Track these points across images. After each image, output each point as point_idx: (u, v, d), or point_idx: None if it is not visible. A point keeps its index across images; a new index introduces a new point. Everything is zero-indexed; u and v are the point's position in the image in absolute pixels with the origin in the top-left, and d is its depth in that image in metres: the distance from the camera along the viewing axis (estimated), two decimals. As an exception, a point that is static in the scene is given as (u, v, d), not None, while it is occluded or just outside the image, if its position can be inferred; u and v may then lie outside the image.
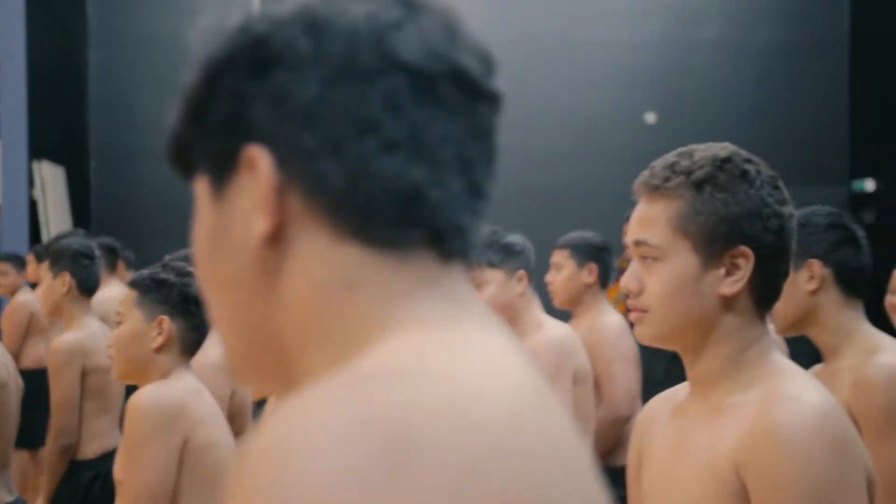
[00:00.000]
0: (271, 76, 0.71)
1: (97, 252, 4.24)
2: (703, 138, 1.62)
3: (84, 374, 3.97)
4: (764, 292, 1.55)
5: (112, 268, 6.19)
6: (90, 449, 3.97)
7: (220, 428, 2.54)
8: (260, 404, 3.48)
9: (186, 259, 2.99)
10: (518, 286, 3.37)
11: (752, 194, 1.52)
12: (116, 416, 4.01)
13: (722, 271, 1.53)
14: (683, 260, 1.54)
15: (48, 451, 3.98)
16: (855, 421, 2.19)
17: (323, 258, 0.71)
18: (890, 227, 8.59)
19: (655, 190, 1.56)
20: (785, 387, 1.48)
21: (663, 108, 9.10)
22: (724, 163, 1.54)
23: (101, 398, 4.01)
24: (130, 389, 2.68)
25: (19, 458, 5.65)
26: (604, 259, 3.96)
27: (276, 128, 0.70)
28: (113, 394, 4.03)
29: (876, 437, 2.19)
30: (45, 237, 7.72)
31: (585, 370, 3.37)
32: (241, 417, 3.47)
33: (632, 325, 1.62)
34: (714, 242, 1.52)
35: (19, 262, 6.21)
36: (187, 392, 2.53)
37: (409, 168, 0.70)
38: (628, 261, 1.65)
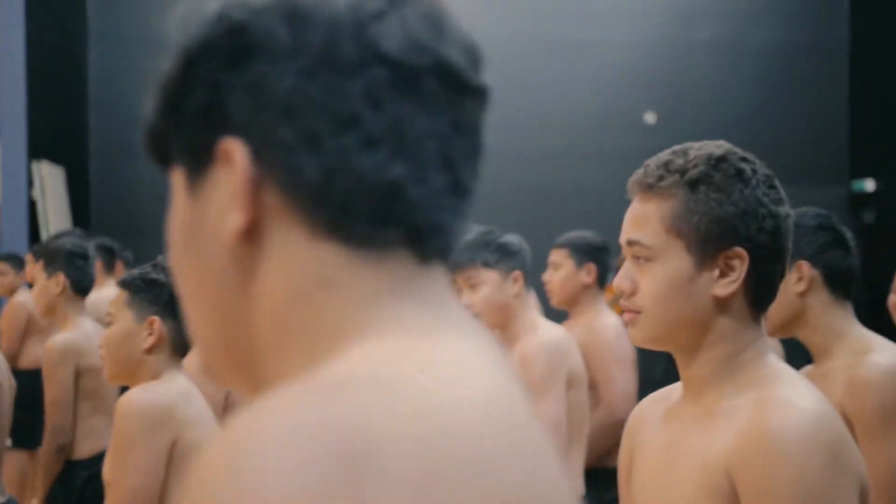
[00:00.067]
0: (249, 66, 0.68)
1: (91, 252, 4.24)
2: (702, 138, 1.59)
3: (78, 375, 3.97)
4: (759, 294, 1.53)
5: (110, 268, 6.19)
6: (85, 449, 3.97)
7: (210, 430, 2.53)
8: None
9: None
10: (513, 287, 3.34)
11: (748, 194, 1.50)
12: (111, 416, 4.02)
13: (716, 272, 1.51)
14: (677, 261, 1.52)
15: (43, 451, 3.98)
16: (848, 421, 2.20)
17: (298, 256, 0.69)
18: (890, 227, 8.59)
19: (649, 189, 1.54)
20: (779, 391, 1.46)
21: (663, 108, 9.10)
22: (719, 162, 1.51)
23: (96, 398, 4.01)
24: (125, 390, 2.67)
25: (19, 459, 5.65)
26: (602, 259, 3.96)
27: (252, 120, 0.68)
28: (107, 394, 4.03)
29: (869, 436, 2.20)
30: (45, 237, 7.71)
31: (580, 373, 3.34)
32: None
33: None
34: (708, 243, 1.50)
35: (18, 262, 6.20)
36: (177, 394, 2.51)
37: (388, 164, 0.68)
38: (623, 260, 1.64)
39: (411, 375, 0.63)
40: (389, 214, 0.69)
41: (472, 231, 3.47)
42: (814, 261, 2.31)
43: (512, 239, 3.41)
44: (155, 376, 2.58)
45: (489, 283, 3.32)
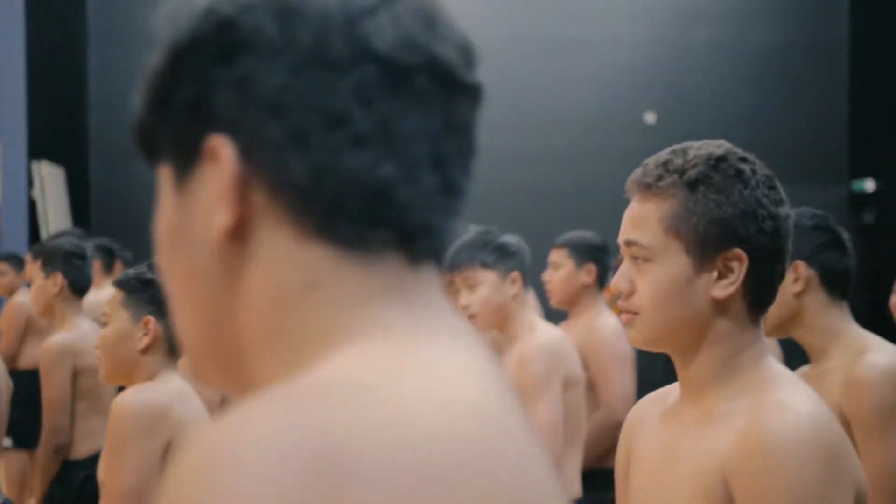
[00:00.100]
0: (237, 62, 0.67)
1: (90, 252, 4.24)
2: (702, 138, 1.58)
3: (75, 375, 3.97)
4: (758, 295, 1.52)
5: (109, 268, 6.19)
6: (82, 449, 3.97)
7: None
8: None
9: None
10: (512, 288, 3.31)
11: (747, 195, 1.49)
12: (109, 417, 4.02)
13: (714, 274, 1.49)
14: (675, 262, 1.50)
15: (40, 451, 3.98)
16: (845, 421, 2.21)
17: (285, 257, 0.67)
18: (890, 227, 8.59)
19: (648, 189, 1.53)
20: (777, 395, 1.44)
21: (662, 108, 9.10)
22: (718, 162, 1.50)
23: (93, 398, 4.01)
24: (122, 390, 2.67)
25: (19, 459, 5.65)
26: (602, 259, 3.94)
27: (240, 117, 0.67)
28: (105, 394, 4.03)
29: (867, 436, 2.20)
30: (45, 237, 7.71)
31: (577, 375, 3.32)
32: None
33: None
34: (707, 244, 1.49)
35: (18, 263, 6.20)
36: (172, 394, 2.51)
37: (378, 164, 0.67)
38: (622, 260, 1.62)
39: (394, 381, 0.62)
40: (379, 215, 0.67)
41: (470, 231, 3.47)
42: (810, 261, 2.31)
43: (511, 239, 3.39)
44: (151, 377, 2.57)
45: (487, 283, 3.30)
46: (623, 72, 9.10)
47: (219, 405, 3.36)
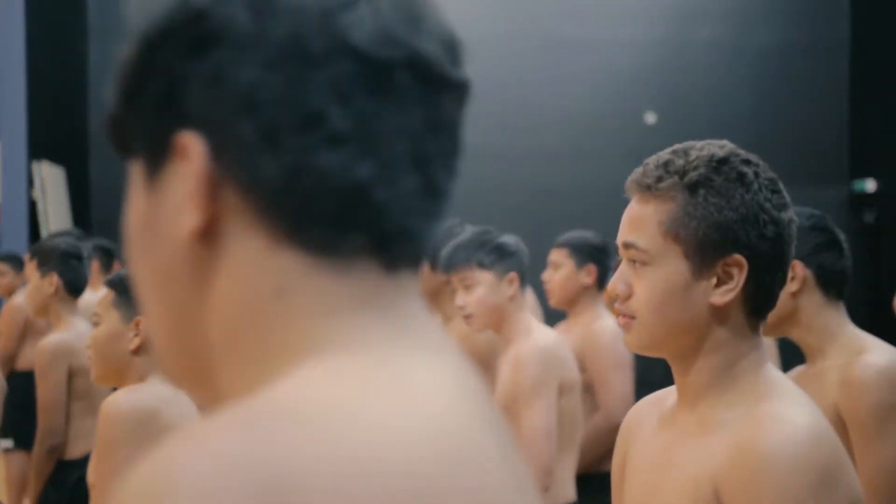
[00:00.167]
0: (209, 55, 0.64)
1: (87, 253, 4.24)
2: (702, 138, 1.55)
3: (71, 375, 3.96)
4: (758, 302, 1.48)
5: (108, 269, 6.18)
6: (77, 449, 3.96)
7: None
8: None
9: None
10: (508, 289, 3.29)
11: (749, 199, 1.45)
12: (102, 417, 4.02)
13: (713, 280, 1.46)
14: (673, 266, 1.47)
15: (35, 451, 3.98)
16: (842, 421, 2.20)
17: (254, 261, 0.64)
18: (890, 227, 8.58)
19: (647, 190, 1.49)
20: (774, 406, 1.41)
21: (663, 108, 9.09)
22: (720, 164, 1.47)
23: (88, 399, 4.00)
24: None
25: (19, 459, 5.65)
26: (603, 261, 3.92)
27: (211, 113, 0.64)
28: (99, 395, 4.02)
29: (863, 436, 2.20)
30: (45, 237, 7.71)
31: (572, 379, 3.29)
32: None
33: None
34: (706, 249, 1.45)
35: (17, 263, 6.20)
36: (162, 396, 2.49)
37: (354, 164, 0.63)
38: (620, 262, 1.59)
39: (354, 404, 0.59)
40: (354, 219, 0.64)
41: (467, 231, 3.46)
42: (807, 261, 2.31)
43: (509, 240, 3.36)
44: (142, 378, 2.56)
45: (484, 284, 3.28)
46: (623, 71, 9.10)
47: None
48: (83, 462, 3.89)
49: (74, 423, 3.98)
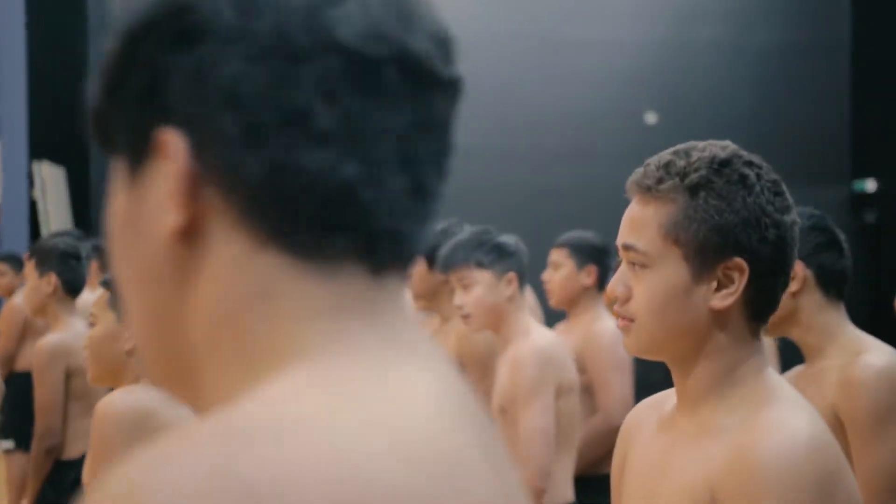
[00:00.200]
0: (192, 49, 0.62)
1: (86, 253, 4.23)
2: (703, 138, 1.53)
3: (68, 376, 3.96)
4: (759, 306, 1.46)
5: (107, 269, 6.18)
6: (75, 449, 3.96)
7: None
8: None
9: None
10: (507, 289, 3.27)
11: (750, 202, 1.43)
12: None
13: (714, 284, 1.44)
14: (673, 269, 1.45)
15: (33, 451, 3.97)
16: (840, 421, 2.20)
17: (237, 263, 0.63)
18: (891, 227, 8.57)
19: (647, 191, 1.47)
20: (773, 413, 1.38)
21: (663, 108, 9.08)
22: (721, 166, 1.44)
23: (86, 399, 4.00)
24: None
25: (20, 460, 5.65)
26: (603, 261, 3.90)
27: (193, 109, 0.62)
28: (97, 395, 4.02)
29: (861, 437, 2.20)
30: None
31: (570, 381, 3.26)
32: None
33: None
34: (706, 252, 1.43)
35: (17, 263, 6.19)
36: (158, 397, 2.48)
37: (339, 163, 0.62)
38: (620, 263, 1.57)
39: (332, 419, 0.57)
40: (339, 220, 0.63)
41: (466, 231, 3.45)
42: (807, 261, 2.31)
43: (508, 240, 3.35)
44: (138, 378, 2.55)
45: (482, 283, 3.26)
46: (624, 71, 9.09)
47: None
48: (81, 462, 3.88)
49: (72, 424, 3.98)
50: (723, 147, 1.48)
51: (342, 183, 0.62)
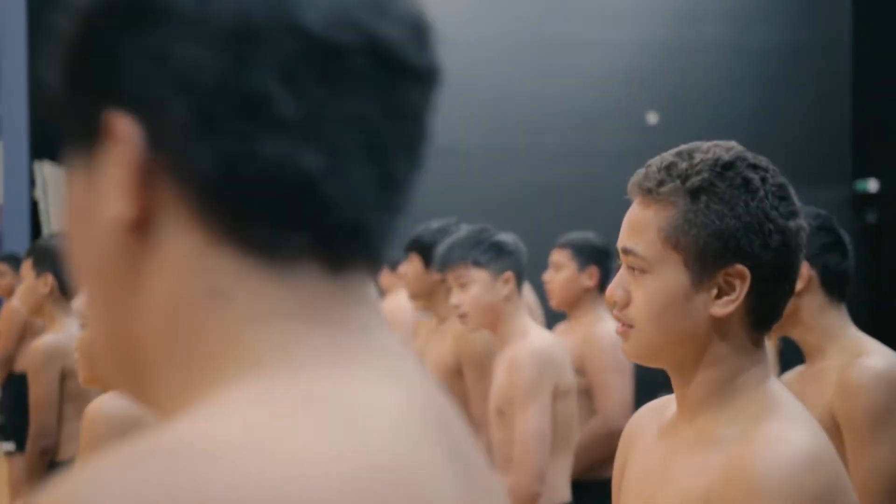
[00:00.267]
0: (148, 31, 0.59)
1: None
2: (704, 138, 1.50)
3: (63, 377, 3.95)
4: (761, 314, 1.42)
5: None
6: (70, 450, 3.95)
7: None
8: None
9: None
10: (504, 288, 3.22)
11: (753, 207, 1.38)
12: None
13: (714, 290, 1.40)
14: (672, 275, 1.41)
15: (27, 452, 3.97)
16: (837, 423, 2.20)
17: (189, 259, 0.59)
18: (893, 227, 8.57)
19: (648, 193, 1.43)
20: (774, 426, 1.34)
21: (664, 108, 9.08)
22: (724, 169, 1.40)
23: (81, 400, 3.99)
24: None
25: (21, 462, 5.64)
26: (605, 263, 3.87)
27: (147, 94, 0.58)
28: (93, 396, 4.01)
29: (857, 439, 2.19)
30: (46, 238, 7.71)
31: (568, 383, 3.23)
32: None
33: None
34: (707, 258, 1.39)
35: (18, 264, 6.18)
36: None
37: (299, 153, 0.58)
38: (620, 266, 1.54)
39: (275, 440, 0.53)
40: (297, 215, 0.59)
41: (463, 229, 3.43)
42: (812, 261, 2.31)
43: (506, 238, 3.30)
44: None
45: (479, 282, 3.22)
46: (625, 71, 9.09)
47: None
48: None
49: (67, 425, 3.98)
50: (727, 149, 1.44)
51: (302, 174, 0.59)
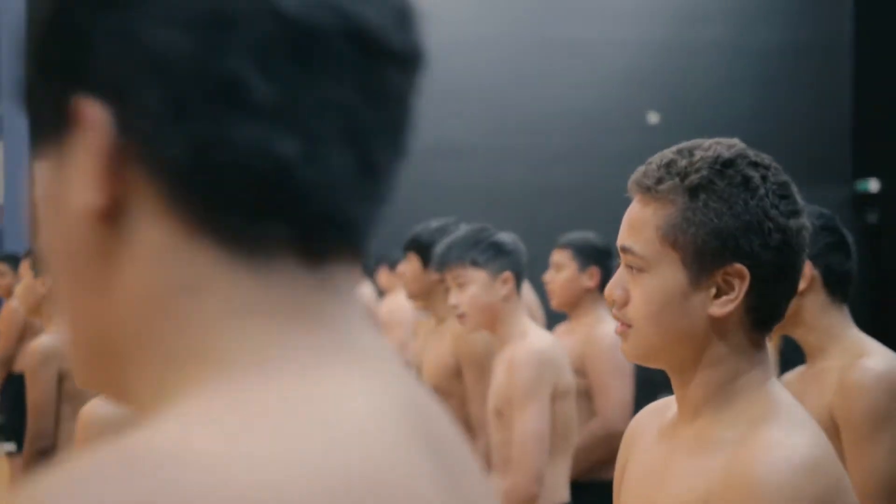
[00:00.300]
0: (119, 13, 0.57)
1: None
2: (704, 138, 1.48)
3: (61, 377, 3.95)
4: (761, 315, 1.40)
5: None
6: (68, 452, 3.95)
7: None
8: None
9: None
10: (502, 288, 3.20)
11: (753, 205, 1.36)
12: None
13: (713, 290, 1.38)
14: (670, 274, 1.39)
15: (24, 453, 3.97)
16: (835, 424, 2.19)
17: (162, 251, 0.57)
18: (893, 227, 8.56)
19: (647, 191, 1.42)
20: (773, 430, 1.32)
21: (665, 108, 9.07)
22: (724, 167, 1.38)
23: (79, 401, 3.98)
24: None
25: (21, 462, 5.64)
26: (606, 263, 3.84)
27: (118, 78, 0.56)
28: (90, 397, 4.01)
29: (856, 440, 2.18)
30: (46, 238, 7.70)
31: (567, 384, 3.21)
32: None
33: None
34: (705, 257, 1.37)
35: (17, 263, 6.18)
36: None
37: (274, 140, 0.56)
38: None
39: (244, 448, 0.51)
40: (273, 204, 0.57)
41: (463, 228, 3.41)
42: (815, 261, 2.30)
43: (505, 238, 3.28)
44: None
45: (477, 282, 3.20)
46: (626, 72, 9.08)
47: None
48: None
49: (65, 426, 3.97)
50: (729, 146, 1.42)
51: (277, 161, 0.56)
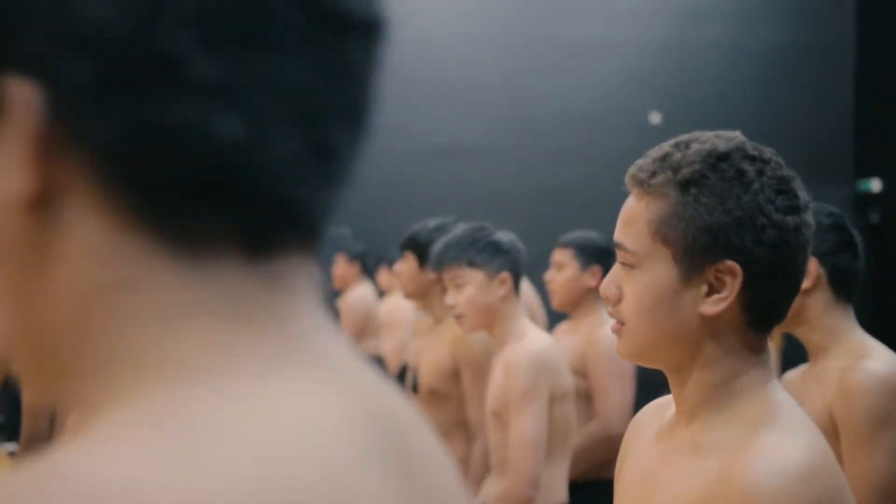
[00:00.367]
0: None
1: None
2: None
3: None
4: (758, 314, 1.36)
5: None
6: None
7: None
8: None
9: None
10: (500, 289, 3.17)
11: (746, 200, 1.31)
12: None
13: (704, 288, 1.34)
14: (661, 271, 1.35)
15: (20, 454, 3.97)
16: (835, 425, 2.18)
17: (97, 245, 0.53)
18: (895, 227, 8.54)
19: (641, 185, 1.38)
20: (771, 434, 1.28)
21: (667, 108, 9.06)
22: (719, 160, 1.34)
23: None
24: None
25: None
26: (608, 262, 3.84)
27: (51, 55, 0.51)
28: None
29: (855, 442, 2.17)
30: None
31: (566, 386, 3.17)
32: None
33: None
34: (696, 254, 1.33)
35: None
36: None
37: (217, 121, 0.51)
38: None
39: (174, 470, 0.47)
40: (215, 192, 0.52)
41: (461, 228, 3.37)
42: (822, 260, 2.29)
43: (503, 238, 3.24)
44: None
45: (474, 283, 3.16)
46: (628, 72, 9.07)
47: None
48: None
49: (61, 427, 3.98)
50: (728, 139, 1.37)
51: (219, 144, 0.51)
